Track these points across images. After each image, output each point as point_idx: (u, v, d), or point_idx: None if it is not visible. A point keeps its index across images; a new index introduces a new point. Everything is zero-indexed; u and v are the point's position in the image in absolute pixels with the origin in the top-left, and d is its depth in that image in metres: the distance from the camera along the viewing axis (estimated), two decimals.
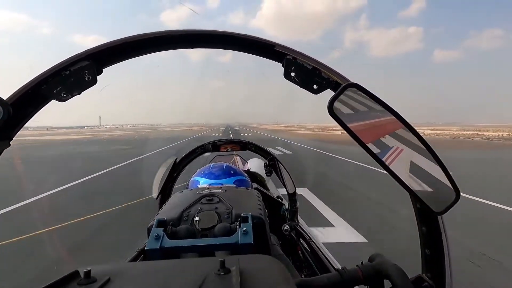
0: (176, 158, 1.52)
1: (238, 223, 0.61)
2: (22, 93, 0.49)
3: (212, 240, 0.57)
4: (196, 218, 0.63)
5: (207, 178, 1.10)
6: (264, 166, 1.64)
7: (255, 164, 2.14)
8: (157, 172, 1.47)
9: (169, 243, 0.55)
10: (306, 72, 0.53)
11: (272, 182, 2.37)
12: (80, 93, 0.53)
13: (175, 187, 1.58)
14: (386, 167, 0.45)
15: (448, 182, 0.46)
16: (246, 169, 1.91)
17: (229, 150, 1.63)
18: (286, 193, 1.56)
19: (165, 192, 1.48)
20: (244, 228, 0.58)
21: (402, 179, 0.45)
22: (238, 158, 2.01)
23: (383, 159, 0.44)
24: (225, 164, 1.21)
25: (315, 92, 0.53)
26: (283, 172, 1.58)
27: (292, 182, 1.54)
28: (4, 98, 0.47)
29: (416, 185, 0.45)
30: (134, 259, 0.80)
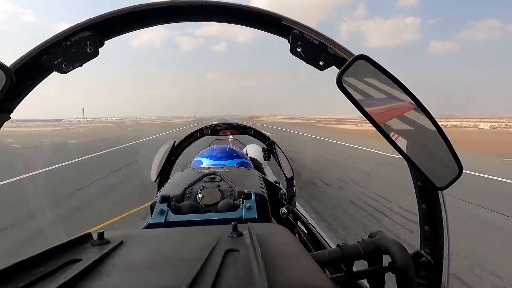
0: (175, 142, 1.52)
1: (241, 200, 0.62)
2: (22, 64, 0.48)
3: (216, 215, 0.58)
4: (199, 195, 0.64)
5: (209, 159, 1.11)
6: (263, 150, 1.65)
7: (253, 150, 2.14)
8: (155, 155, 1.47)
9: (173, 217, 0.56)
10: (312, 47, 0.52)
11: (269, 168, 2.39)
12: (81, 65, 0.51)
13: (172, 170, 1.59)
14: (391, 141, 0.45)
15: (452, 157, 0.46)
16: (244, 152, 1.91)
17: (228, 134, 1.62)
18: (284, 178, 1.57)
19: (163, 175, 1.49)
20: (248, 204, 0.58)
21: (406, 153, 0.46)
22: (236, 143, 2.01)
23: (389, 133, 0.44)
24: (228, 146, 1.22)
25: (321, 68, 0.53)
26: (281, 157, 1.59)
27: (290, 166, 1.55)
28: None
29: (420, 159, 0.46)
30: None
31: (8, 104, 0.49)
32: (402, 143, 0.45)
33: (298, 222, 1.40)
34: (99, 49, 0.52)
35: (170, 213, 0.57)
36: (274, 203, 1.57)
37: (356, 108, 0.43)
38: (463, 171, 0.46)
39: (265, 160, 1.68)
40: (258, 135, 1.63)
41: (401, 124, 0.44)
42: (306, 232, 1.31)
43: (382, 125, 0.43)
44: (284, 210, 1.48)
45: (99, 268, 0.26)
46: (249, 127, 1.63)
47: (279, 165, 1.61)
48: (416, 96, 0.43)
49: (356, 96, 0.42)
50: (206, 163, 1.10)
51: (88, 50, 0.50)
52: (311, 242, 1.21)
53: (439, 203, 0.55)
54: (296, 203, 1.62)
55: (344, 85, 0.42)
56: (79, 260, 0.27)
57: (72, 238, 0.31)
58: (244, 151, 2.05)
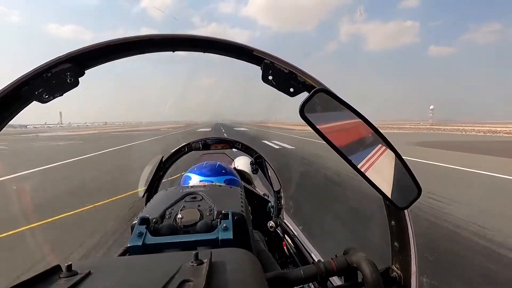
0: (162, 157, 1.53)
1: (219, 220, 0.63)
2: (3, 95, 0.50)
3: (193, 236, 0.59)
4: (179, 216, 0.65)
5: (198, 175, 1.13)
6: (251, 164, 1.67)
7: (242, 162, 2.17)
8: (143, 170, 1.48)
9: (151, 239, 0.57)
10: (283, 76, 0.56)
11: (259, 179, 2.40)
12: (62, 95, 0.54)
13: (161, 185, 1.59)
14: (354, 167, 0.48)
15: (410, 179, 0.50)
16: (233, 167, 1.93)
17: (216, 148, 1.65)
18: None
19: (151, 190, 1.49)
20: (224, 225, 0.60)
21: (369, 177, 0.49)
22: (225, 156, 2.03)
23: (351, 159, 0.47)
24: (218, 163, 1.24)
25: (292, 95, 0.57)
26: (269, 170, 1.61)
27: (278, 179, 1.57)
28: None
29: (382, 183, 0.49)
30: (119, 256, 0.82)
31: None
32: (364, 168, 0.48)
33: (286, 236, 1.42)
34: (79, 79, 0.54)
35: (148, 235, 0.58)
36: (262, 216, 1.59)
37: (319, 137, 0.46)
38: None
39: (253, 173, 1.71)
40: (246, 149, 1.66)
41: (362, 151, 0.47)
42: (293, 245, 1.32)
43: (345, 152, 0.46)
44: (272, 223, 1.49)
45: None
46: (237, 141, 1.66)
47: (267, 178, 1.63)
48: (373, 124, 0.47)
49: (318, 125, 0.46)
50: (195, 179, 1.12)
51: (68, 80, 0.53)
52: (298, 256, 1.22)
53: (405, 220, 0.58)
54: (285, 215, 1.64)
55: (306, 115, 0.46)
56: None
57: (40, 272, 0.33)
58: (233, 164, 2.08)
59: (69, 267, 0.34)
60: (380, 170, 0.48)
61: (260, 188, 2.14)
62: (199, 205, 0.70)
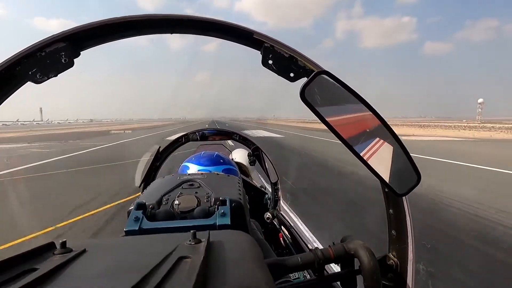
0: (159, 147, 1.52)
1: (216, 206, 0.63)
2: None
3: (190, 222, 0.59)
4: (176, 202, 0.65)
5: (196, 164, 1.13)
6: (248, 155, 1.67)
7: (240, 155, 2.16)
8: (140, 160, 1.47)
9: (148, 224, 0.57)
10: (283, 60, 0.55)
11: (257, 172, 2.41)
12: (56, 75, 0.52)
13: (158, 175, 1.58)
14: (355, 152, 0.48)
15: (411, 166, 0.49)
16: (230, 158, 1.93)
17: (214, 140, 1.64)
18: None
19: (148, 180, 1.49)
20: (222, 211, 0.60)
21: (370, 164, 0.49)
22: (222, 148, 2.02)
23: (352, 145, 0.47)
24: (216, 153, 1.24)
25: (292, 80, 0.56)
26: (266, 162, 1.61)
27: (275, 171, 1.57)
28: None
29: (382, 169, 0.49)
30: None
31: None
32: (365, 155, 0.47)
33: (282, 227, 1.43)
34: (75, 60, 0.53)
35: (145, 220, 0.58)
36: (259, 208, 1.59)
37: (320, 120, 0.45)
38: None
39: (250, 165, 1.70)
40: (244, 141, 1.65)
41: (363, 137, 0.47)
42: (289, 237, 1.33)
43: (345, 137, 0.46)
44: (268, 214, 1.50)
45: (53, 277, 0.27)
46: (234, 133, 1.65)
47: (264, 170, 1.63)
48: (376, 110, 0.46)
49: (318, 108, 0.45)
50: (193, 168, 1.12)
51: (63, 60, 0.51)
52: (294, 246, 1.23)
53: (403, 208, 0.58)
54: (282, 207, 1.65)
55: (307, 98, 0.45)
56: (36, 270, 0.28)
57: (34, 248, 0.32)
58: (230, 156, 2.07)
59: (63, 244, 0.33)
60: (381, 157, 0.48)
61: (257, 180, 2.14)
62: (196, 192, 0.70)
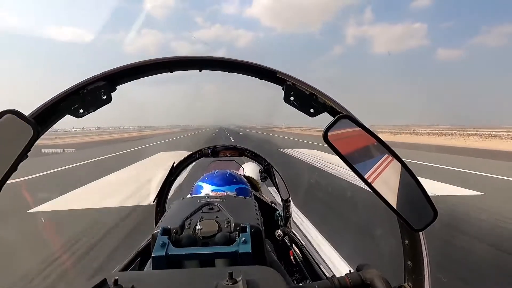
0: (174, 163, 1.57)
1: (237, 233, 0.66)
2: (42, 110, 0.53)
3: (213, 249, 0.62)
4: (198, 227, 0.68)
5: (210, 184, 1.16)
6: (260, 172, 1.69)
7: (250, 168, 2.19)
8: (155, 175, 1.51)
9: (173, 250, 0.60)
10: (304, 97, 0.58)
11: (266, 185, 2.42)
12: (95, 110, 0.57)
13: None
14: (373, 189, 0.50)
15: (427, 202, 0.52)
16: (242, 174, 1.96)
17: (227, 155, 1.67)
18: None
19: (162, 195, 1.53)
20: (243, 238, 0.63)
21: (386, 198, 0.51)
22: (233, 162, 2.06)
23: (371, 183, 0.50)
24: (229, 171, 1.27)
25: (312, 115, 0.59)
26: (278, 178, 1.64)
27: (286, 188, 1.59)
28: (25, 114, 0.51)
29: (399, 204, 0.51)
30: (141, 263, 0.85)
31: None
32: (382, 190, 0.50)
33: (293, 245, 1.44)
34: (112, 94, 0.58)
35: (170, 246, 0.61)
36: (270, 224, 1.61)
37: (342, 161, 0.48)
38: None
39: (262, 181, 1.73)
40: (255, 157, 1.68)
41: (382, 175, 0.50)
42: (300, 255, 1.34)
43: (367, 178, 0.49)
44: (279, 232, 1.51)
45: None
46: (247, 149, 1.69)
47: (276, 186, 1.65)
48: (394, 151, 0.49)
49: (342, 150, 0.48)
50: (206, 188, 1.15)
51: (102, 97, 0.56)
52: (305, 266, 1.24)
53: (419, 240, 0.59)
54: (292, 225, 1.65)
55: (330, 140, 0.48)
56: None
57: (90, 286, 0.35)
58: (241, 170, 2.11)
59: (115, 282, 0.36)
60: (397, 192, 0.50)
61: (266, 194, 2.16)
62: (216, 217, 0.73)
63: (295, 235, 1.45)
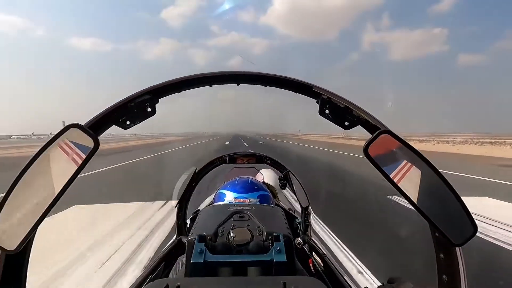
0: (196, 169, 1.60)
1: (270, 241, 0.67)
2: (93, 122, 0.57)
3: (248, 257, 0.64)
4: (231, 235, 0.69)
5: (232, 191, 1.18)
6: (279, 179, 1.70)
7: (268, 174, 2.20)
8: (178, 181, 1.55)
9: (211, 257, 0.62)
10: (339, 111, 0.60)
11: (283, 192, 2.42)
12: (141, 122, 0.60)
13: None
14: (412, 202, 0.51)
15: (467, 217, 0.52)
16: (262, 181, 1.98)
17: (246, 162, 1.70)
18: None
19: (183, 201, 1.56)
20: (278, 247, 0.64)
21: (425, 212, 0.52)
22: (252, 169, 2.09)
23: (410, 196, 0.50)
24: (250, 178, 1.29)
25: (347, 128, 0.61)
26: (297, 186, 1.64)
27: (306, 196, 1.59)
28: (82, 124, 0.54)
29: (438, 217, 0.52)
30: (164, 268, 0.88)
31: None
32: (420, 203, 0.51)
33: (314, 253, 1.43)
34: (156, 105, 0.61)
35: (208, 253, 0.63)
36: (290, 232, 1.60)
37: (382, 176, 0.49)
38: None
39: (281, 188, 1.74)
40: (275, 164, 1.70)
41: (421, 190, 0.50)
42: (322, 264, 1.33)
43: (405, 190, 0.50)
44: (299, 240, 1.51)
45: None
46: (266, 156, 1.71)
47: (295, 194, 1.66)
48: (434, 165, 0.50)
49: (382, 165, 0.49)
50: (229, 196, 1.17)
51: (148, 109, 0.59)
52: (327, 276, 1.23)
53: (455, 253, 0.59)
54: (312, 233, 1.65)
55: (370, 155, 0.49)
56: None
57: None
58: (260, 177, 2.13)
59: None
60: (438, 208, 0.51)
61: (283, 201, 2.16)
62: (248, 225, 0.74)
63: (316, 244, 1.45)
